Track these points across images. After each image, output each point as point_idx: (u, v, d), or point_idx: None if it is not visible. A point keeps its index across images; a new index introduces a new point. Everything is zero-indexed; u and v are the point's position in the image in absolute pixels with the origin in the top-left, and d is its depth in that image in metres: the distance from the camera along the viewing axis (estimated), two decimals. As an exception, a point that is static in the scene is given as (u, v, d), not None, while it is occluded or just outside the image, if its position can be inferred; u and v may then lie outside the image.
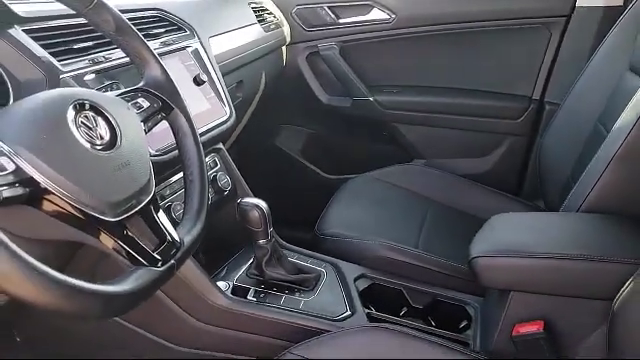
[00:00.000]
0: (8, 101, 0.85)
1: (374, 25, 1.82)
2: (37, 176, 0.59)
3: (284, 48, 1.87)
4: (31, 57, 0.88)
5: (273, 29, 1.76)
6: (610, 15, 1.50)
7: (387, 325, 1.01)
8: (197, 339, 1.11)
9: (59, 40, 0.95)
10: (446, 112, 1.79)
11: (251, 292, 1.15)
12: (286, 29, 1.86)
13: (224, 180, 1.25)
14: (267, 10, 1.80)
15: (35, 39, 0.91)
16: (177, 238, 0.75)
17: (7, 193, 0.56)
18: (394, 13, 1.79)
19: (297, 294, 1.15)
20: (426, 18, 1.77)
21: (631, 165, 1.01)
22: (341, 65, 1.85)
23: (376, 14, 1.82)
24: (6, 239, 0.51)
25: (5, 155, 0.59)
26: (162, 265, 0.70)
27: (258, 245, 1.15)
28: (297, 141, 2.03)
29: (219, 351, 1.12)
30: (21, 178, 0.58)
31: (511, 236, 1.01)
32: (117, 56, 1.03)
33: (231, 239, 1.27)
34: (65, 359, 1.18)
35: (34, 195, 0.60)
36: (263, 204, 1.13)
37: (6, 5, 0.87)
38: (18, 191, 0.58)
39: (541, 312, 0.94)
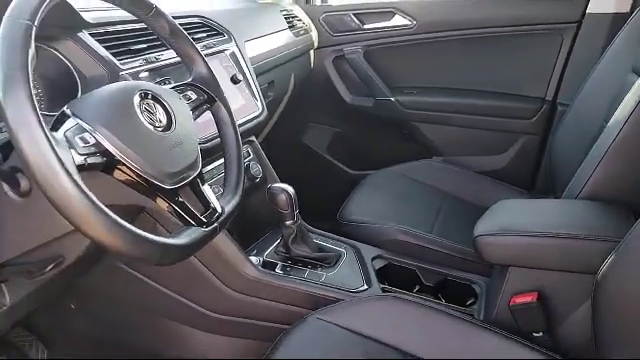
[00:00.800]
0: (77, 93, 1.01)
1: (396, 30, 1.96)
2: (112, 149, 0.74)
3: (312, 52, 2.02)
4: (96, 57, 1.04)
5: (302, 34, 1.91)
6: (618, 21, 1.59)
7: (400, 295, 1.14)
8: (231, 307, 1.26)
9: (119, 42, 1.11)
10: (463, 112, 1.91)
11: (278, 266, 1.29)
12: (314, 34, 2.00)
13: (256, 169, 1.40)
14: (297, 17, 1.94)
15: (99, 41, 1.07)
16: (219, 207, 0.89)
17: (90, 160, 0.72)
18: (415, 19, 1.92)
19: (319, 269, 1.29)
20: (445, 24, 1.89)
21: (623, 157, 1.12)
22: (365, 68, 1.98)
23: (398, 20, 1.96)
24: (93, 196, 0.66)
25: (87, 132, 0.74)
26: (207, 227, 0.84)
27: (285, 225, 1.29)
28: (322, 138, 2.17)
29: (250, 318, 1.27)
30: (99, 150, 0.74)
31: (510, 218, 1.13)
32: (166, 57, 1.18)
33: (261, 221, 1.42)
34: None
35: (109, 164, 0.75)
36: (290, 189, 1.27)
37: (78, 13, 1.03)
38: (97, 160, 0.73)
39: (536, 285, 1.06)
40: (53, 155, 0.64)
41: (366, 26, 2.00)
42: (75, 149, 0.71)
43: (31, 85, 0.66)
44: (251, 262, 1.24)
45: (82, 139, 0.73)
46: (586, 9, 1.70)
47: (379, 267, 1.33)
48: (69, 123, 0.75)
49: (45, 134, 0.65)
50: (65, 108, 0.78)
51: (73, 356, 1.42)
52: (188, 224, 0.82)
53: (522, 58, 1.84)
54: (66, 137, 0.71)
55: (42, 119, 0.65)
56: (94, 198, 0.66)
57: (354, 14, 2.00)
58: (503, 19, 1.82)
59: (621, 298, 0.87)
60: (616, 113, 1.16)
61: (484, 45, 1.88)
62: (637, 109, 1.08)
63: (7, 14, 0.69)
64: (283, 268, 1.28)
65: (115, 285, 1.29)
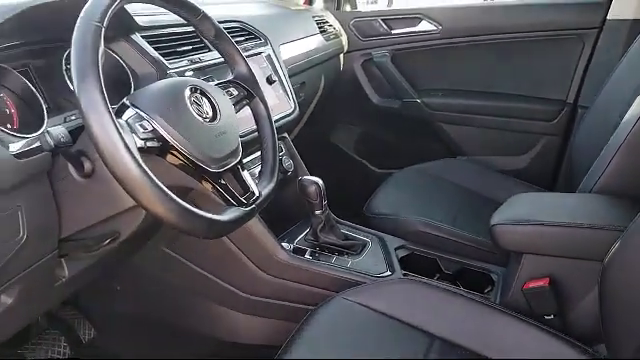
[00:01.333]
0: (130, 89, 1.13)
1: (422, 35, 2.05)
2: (166, 135, 0.85)
3: (341, 55, 2.12)
4: (147, 57, 1.16)
5: (333, 39, 2.01)
6: (637, 26, 1.66)
7: (421, 279, 1.22)
8: (263, 288, 1.36)
9: (167, 44, 1.23)
10: (486, 113, 1.98)
11: (308, 252, 1.39)
12: (344, 39, 2.10)
13: (288, 163, 1.50)
14: (328, 22, 2.05)
15: (150, 43, 1.18)
16: (256, 190, 0.99)
17: (148, 144, 0.83)
18: (441, 25, 2.01)
19: (345, 256, 1.38)
20: (469, 29, 1.97)
21: (635, 153, 1.18)
22: (392, 71, 2.08)
23: (424, 26, 2.05)
24: (152, 175, 0.77)
25: (145, 120, 0.85)
26: (246, 207, 0.94)
27: (314, 215, 1.39)
28: (350, 138, 2.27)
29: (280, 299, 1.36)
30: (156, 136, 0.85)
31: (525, 209, 1.21)
32: (208, 58, 1.30)
33: (292, 212, 1.52)
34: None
35: (163, 149, 0.86)
36: (320, 181, 1.36)
37: (132, 17, 1.14)
38: (154, 144, 0.84)
39: (547, 271, 1.13)
40: (119, 138, 0.75)
41: (394, 31, 2.10)
42: (136, 134, 0.82)
43: (101, 79, 0.77)
44: (283, 247, 1.34)
45: (141, 126, 0.84)
46: (607, 15, 1.76)
47: (402, 256, 1.42)
48: (129, 112, 0.86)
49: (112, 120, 0.76)
50: (125, 100, 0.89)
51: (117, 335, 1.54)
52: (230, 204, 0.93)
53: (544, 62, 1.91)
54: (128, 123, 0.83)
55: (110, 108, 0.76)
56: (153, 176, 0.77)
57: (382, 20, 2.10)
58: (526, 25, 1.89)
59: (626, 283, 0.94)
60: (629, 111, 1.23)
61: (507, 49, 1.95)
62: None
63: (81, 16, 0.81)
64: (312, 254, 1.38)
65: (158, 268, 1.40)
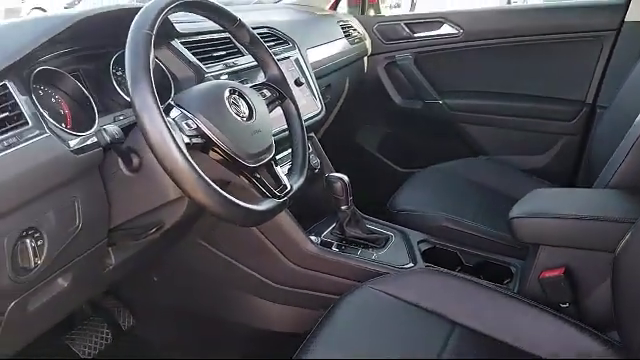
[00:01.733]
0: (170, 91, 1.22)
1: (444, 39, 2.12)
2: (209, 133, 0.94)
3: (365, 58, 2.20)
4: (185, 61, 1.25)
5: (357, 42, 2.09)
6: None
7: (443, 270, 1.29)
8: (292, 278, 1.44)
9: (203, 50, 1.32)
10: (507, 114, 2.04)
11: (334, 245, 1.46)
12: (368, 42, 2.18)
13: (315, 161, 1.59)
14: (352, 27, 2.13)
15: (188, 49, 1.28)
16: (288, 184, 1.07)
17: (193, 140, 0.91)
18: (462, 28, 2.07)
19: (370, 249, 1.46)
20: (490, 32, 2.04)
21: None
22: (415, 73, 2.15)
23: (446, 29, 2.11)
24: (198, 168, 0.86)
25: (190, 119, 0.94)
26: (279, 199, 1.03)
27: (341, 210, 1.46)
28: (374, 138, 2.34)
29: (308, 289, 1.44)
30: (199, 133, 0.93)
31: (542, 203, 1.27)
32: (241, 62, 1.39)
33: (319, 208, 1.60)
34: None
35: (206, 145, 0.95)
36: (345, 178, 1.44)
37: (172, 25, 1.24)
38: (198, 140, 0.93)
39: (563, 261, 1.19)
40: (169, 135, 0.84)
41: (416, 35, 2.17)
42: (182, 131, 0.91)
43: (152, 81, 0.87)
44: (311, 240, 1.42)
45: (187, 124, 0.93)
46: (624, 17, 1.81)
47: (424, 249, 1.49)
48: (174, 112, 0.95)
49: (163, 119, 0.85)
50: (170, 101, 0.98)
51: (154, 323, 1.64)
52: (264, 196, 1.01)
53: (563, 63, 1.96)
54: (175, 122, 0.92)
55: (161, 108, 0.85)
56: (198, 169, 0.86)
57: (405, 24, 2.17)
58: (545, 27, 1.95)
59: (637, 273, 1.00)
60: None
61: (527, 52, 2.01)
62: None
63: (132, 25, 0.90)
64: (338, 246, 1.46)
65: (194, 260, 1.49)
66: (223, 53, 1.37)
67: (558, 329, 1.12)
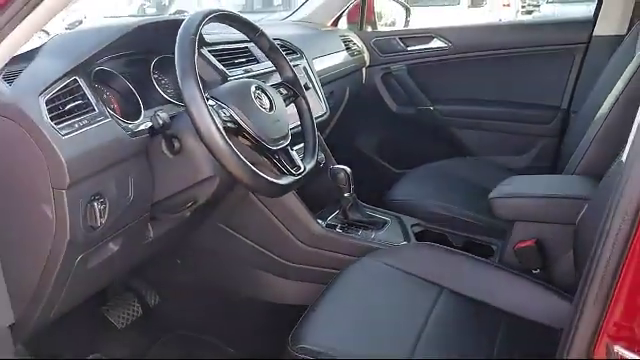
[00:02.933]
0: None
1: (435, 51, 2.35)
2: (240, 120, 1.16)
3: (364, 69, 2.42)
4: (213, 66, 1.47)
5: (356, 55, 2.32)
6: (618, 41, 1.93)
7: (434, 244, 1.50)
8: (301, 256, 1.64)
9: (226, 57, 1.54)
10: (491, 118, 2.27)
11: (338, 226, 1.68)
12: (366, 55, 2.41)
13: (320, 156, 1.79)
14: (352, 41, 2.36)
15: (214, 56, 1.50)
16: (302, 165, 1.28)
17: (228, 125, 1.13)
18: (450, 42, 2.31)
19: (369, 231, 1.67)
20: (476, 46, 2.28)
21: (603, 143, 1.45)
22: (409, 82, 2.38)
23: (436, 43, 2.35)
24: (233, 147, 1.07)
25: (224, 108, 1.16)
26: (295, 177, 1.24)
27: (344, 197, 1.67)
28: (371, 142, 2.56)
29: (315, 265, 1.65)
30: (232, 120, 1.15)
31: (516, 186, 1.48)
32: (257, 67, 1.61)
33: (323, 196, 1.81)
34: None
35: (238, 130, 1.16)
36: (347, 169, 1.65)
37: (202, 35, 1.46)
38: (232, 126, 1.14)
39: (534, 234, 1.40)
40: (212, 121, 1.05)
41: (409, 48, 2.40)
42: (220, 118, 1.12)
43: (198, 77, 1.08)
44: (317, 221, 1.63)
45: (223, 112, 1.14)
46: (592, 32, 2.04)
47: (417, 231, 1.70)
48: (210, 103, 1.17)
49: (207, 107, 1.06)
50: (206, 94, 1.20)
51: (177, 300, 1.83)
52: (282, 173, 1.22)
53: (541, 73, 2.19)
54: (214, 110, 1.13)
55: (205, 99, 1.07)
56: (234, 148, 1.07)
57: (399, 38, 2.41)
58: (524, 41, 2.19)
59: (591, 240, 1.21)
60: (600, 110, 1.51)
61: (509, 63, 2.24)
62: (615, 105, 1.43)
63: (180, 31, 1.12)
64: (341, 228, 1.67)
65: (213, 242, 1.69)
66: (243, 60, 1.59)
67: (529, 290, 1.32)
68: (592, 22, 2.05)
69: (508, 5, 9.16)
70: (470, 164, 2.21)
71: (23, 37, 0.95)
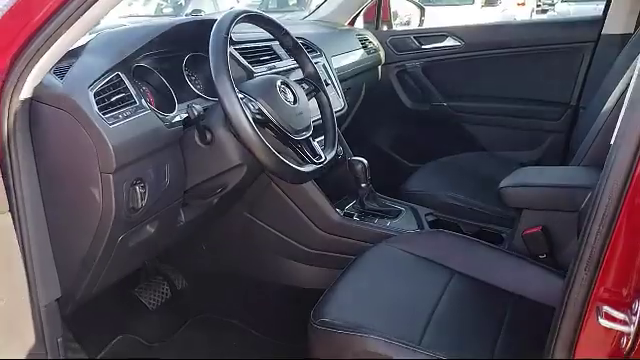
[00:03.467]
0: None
1: (448, 50, 2.44)
2: (267, 112, 1.26)
3: (380, 67, 2.52)
4: (239, 64, 1.57)
5: (372, 53, 2.41)
6: (625, 39, 2.00)
7: (447, 231, 1.59)
8: (320, 243, 1.74)
9: (251, 55, 1.64)
10: (502, 114, 2.35)
11: (355, 215, 1.78)
12: (382, 53, 2.50)
13: (339, 149, 1.89)
14: (368, 39, 2.45)
15: (240, 54, 1.60)
16: (323, 155, 1.38)
17: (257, 117, 1.23)
18: (463, 41, 2.39)
19: (385, 219, 1.76)
20: (488, 44, 2.36)
21: (607, 136, 1.53)
22: (423, 79, 2.47)
23: (450, 42, 2.44)
24: (262, 137, 1.17)
25: (252, 102, 1.26)
26: (316, 165, 1.34)
27: (361, 187, 1.77)
28: (386, 137, 2.65)
29: (333, 252, 1.74)
30: (260, 112, 1.25)
31: (524, 176, 1.57)
32: (280, 65, 1.71)
33: (342, 188, 1.91)
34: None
35: (265, 122, 1.26)
36: (365, 160, 1.75)
37: (230, 35, 1.56)
38: (260, 118, 1.24)
39: (540, 221, 1.48)
40: (243, 113, 1.16)
41: (424, 46, 2.49)
42: (249, 111, 1.23)
43: (230, 73, 1.18)
44: (336, 210, 1.73)
45: (252, 105, 1.25)
46: (601, 31, 2.12)
47: (430, 220, 1.79)
48: (240, 96, 1.27)
49: (239, 101, 1.17)
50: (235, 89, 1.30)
51: (202, 284, 1.94)
52: (305, 162, 1.32)
53: (551, 71, 2.27)
54: (243, 103, 1.23)
55: (237, 93, 1.17)
56: (263, 138, 1.17)
57: (414, 37, 2.50)
58: (535, 40, 2.27)
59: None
60: (606, 104, 1.58)
61: (519, 61, 2.32)
62: (620, 99, 1.51)
63: (213, 31, 1.23)
64: (358, 216, 1.77)
65: (238, 229, 1.80)
66: (267, 58, 1.69)
67: (535, 273, 1.41)
68: (601, 21, 2.13)
69: (523, 4, 9.16)
70: (481, 158, 2.29)
71: (76, 36, 1.06)
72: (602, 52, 2.13)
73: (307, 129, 1.36)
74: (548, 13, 9.18)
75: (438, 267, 1.45)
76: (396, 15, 2.91)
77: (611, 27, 2.09)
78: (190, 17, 1.51)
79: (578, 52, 2.19)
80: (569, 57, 2.21)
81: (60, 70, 1.16)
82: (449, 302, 1.34)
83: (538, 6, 9.44)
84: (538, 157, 2.32)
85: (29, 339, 1.14)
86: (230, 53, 1.58)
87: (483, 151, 2.43)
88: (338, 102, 1.91)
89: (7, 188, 1.05)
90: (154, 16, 8.68)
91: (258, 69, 1.61)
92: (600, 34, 2.13)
